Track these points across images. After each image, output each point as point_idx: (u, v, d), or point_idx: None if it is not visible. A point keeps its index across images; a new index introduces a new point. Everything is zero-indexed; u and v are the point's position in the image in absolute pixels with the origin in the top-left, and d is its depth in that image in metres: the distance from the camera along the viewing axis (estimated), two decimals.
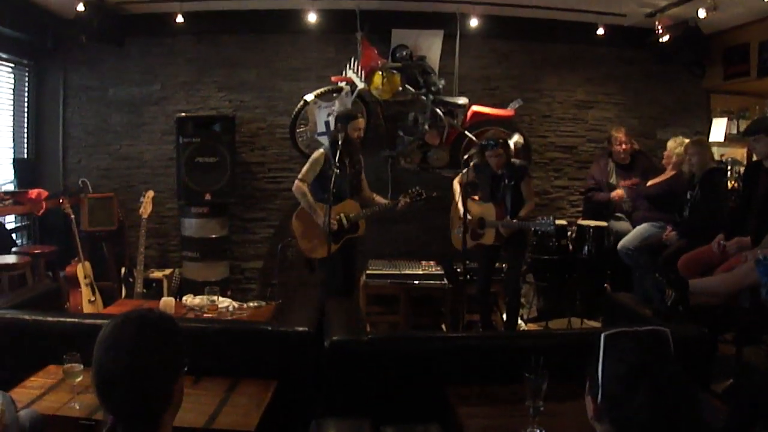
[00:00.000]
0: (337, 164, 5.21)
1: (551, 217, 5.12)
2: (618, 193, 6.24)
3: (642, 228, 5.85)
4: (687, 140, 5.92)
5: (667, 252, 5.44)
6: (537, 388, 2.50)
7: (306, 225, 5.45)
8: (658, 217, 5.84)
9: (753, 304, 4.21)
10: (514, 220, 5.33)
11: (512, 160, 5.50)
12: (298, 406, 3.19)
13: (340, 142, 5.19)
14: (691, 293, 4.31)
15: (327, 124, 6.26)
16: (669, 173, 6.04)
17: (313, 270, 5.79)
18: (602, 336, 1.58)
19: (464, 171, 5.58)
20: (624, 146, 6.34)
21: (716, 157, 6.50)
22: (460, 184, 5.64)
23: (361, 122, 5.55)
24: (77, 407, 2.70)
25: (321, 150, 5.47)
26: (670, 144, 6.13)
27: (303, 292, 6.72)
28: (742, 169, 6.80)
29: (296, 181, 5.39)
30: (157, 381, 1.62)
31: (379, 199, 5.72)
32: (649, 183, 6.10)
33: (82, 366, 2.70)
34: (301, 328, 3.39)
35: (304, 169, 5.41)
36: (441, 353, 3.38)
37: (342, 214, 5.38)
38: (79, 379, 2.73)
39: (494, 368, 3.21)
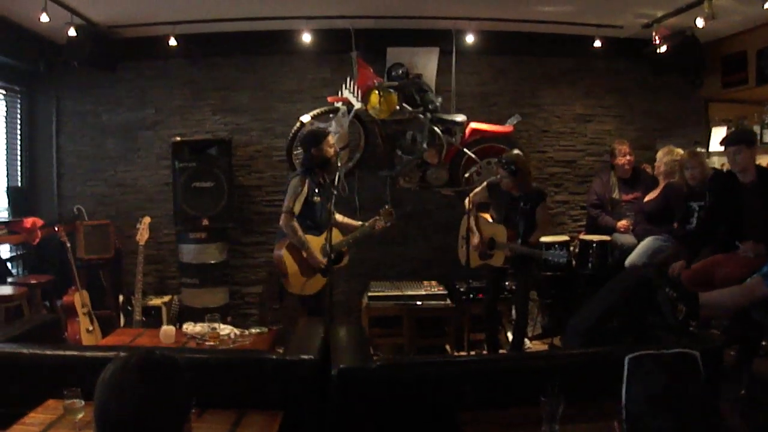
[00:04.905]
0: (318, 191, 5.10)
1: (564, 249, 5.01)
2: (623, 224, 6.19)
3: (647, 243, 5.76)
4: (679, 150, 5.88)
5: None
6: (553, 412, 2.43)
7: (297, 260, 5.13)
8: (659, 230, 5.79)
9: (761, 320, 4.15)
10: (524, 246, 5.23)
11: (533, 185, 5.44)
12: None
13: (317, 166, 5.11)
14: (701, 307, 4.24)
15: None
16: (661, 185, 5.98)
17: (282, 300, 5.89)
18: (626, 358, 1.52)
19: (477, 189, 5.52)
20: (628, 158, 6.32)
21: (717, 166, 6.45)
22: (472, 202, 5.56)
23: (332, 138, 5.28)
24: None
25: (297, 176, 5.15)
26: (660, 154, 6.05)
27: (304, 317, 6.65)
28: None
29: (283, 215, 5.03)
30: (166, 426, 1.56)
31: (349, 221, 5.46)
32: (645, 199, 6.06)
33: (83, 402, 2.59)
34: (306, 356, 3.30)
35: (289, 198, 5.03)
36: (452, 378, 3.28)
37: (328, 246, 4.91)
38: (80, 416, 2.62)
39: (507, 391, 3.12)
